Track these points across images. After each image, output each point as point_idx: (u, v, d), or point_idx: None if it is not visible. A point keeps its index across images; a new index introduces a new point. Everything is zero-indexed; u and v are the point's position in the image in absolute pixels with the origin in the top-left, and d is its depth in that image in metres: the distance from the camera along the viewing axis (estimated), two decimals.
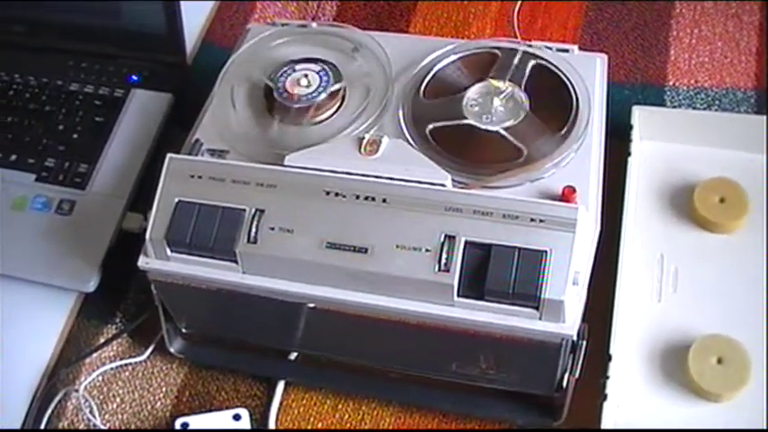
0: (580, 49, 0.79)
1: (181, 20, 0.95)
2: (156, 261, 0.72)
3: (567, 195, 0.69)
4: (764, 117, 0.84)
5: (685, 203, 0.83)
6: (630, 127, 0.85)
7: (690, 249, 0.82)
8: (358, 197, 0.69)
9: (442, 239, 0.66)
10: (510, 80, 0.75)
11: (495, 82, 0.75)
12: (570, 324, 0.66)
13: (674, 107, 0.92)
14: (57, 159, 0.92)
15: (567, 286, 0.64)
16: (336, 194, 0.69)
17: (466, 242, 0.66)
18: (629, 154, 0.83)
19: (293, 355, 0.81)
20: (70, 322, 0.86)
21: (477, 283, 0.65)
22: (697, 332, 0.76)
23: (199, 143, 0.76)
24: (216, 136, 0.77)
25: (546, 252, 0.65)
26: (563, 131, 0.73)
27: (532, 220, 0.66)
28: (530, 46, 0.79)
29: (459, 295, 0.66)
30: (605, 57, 0.79)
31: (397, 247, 0.67)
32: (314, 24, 0.84)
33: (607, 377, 0.73)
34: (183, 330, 0.81)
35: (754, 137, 0.85)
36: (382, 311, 0.69)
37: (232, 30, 1.03)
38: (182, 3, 0.94)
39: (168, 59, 0.97)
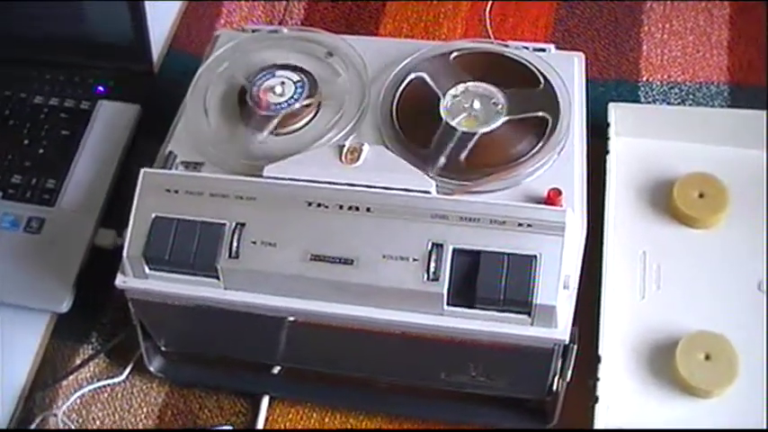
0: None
1: (147, 27, 0.92)
2: (134, 279, 0.70)
3: (553, 198, 0.68)
4: (740, 111, 0.85)
5: (665, 200, 0.83)
6: (607, 124, 0.84)
7: (671, 245, 0.81)
8: (341, 207, 0.67)
9: (429, 248, 0.65)
10: (490, 82, 0.74)
11: (474, 84, 0.74)
12: (562, 329, 0.65)
13: (649, 103, 0.92)
14: (23, 176, 0.89)
15: (559, 290, 0.64)
16: (319, 205, 0.68)
17: (454, 250, 0.65)
18: (607, 152, 0.82)
19: (276, 369, 0.80)
20: (44, 344, 0.83)
21: (467, 292, 0.64)
22: (682, 328, 0.76)
23: (172, 155, 0.74)
24: (190, 147, 0.75)
25: (536, 257, 0.64)
26: (545, 133, 0.72)
27: (520, 224, 0.65)
28: (506, 46, 0.78)
29: (449, 304, 0.65)
30: (582, 55, 0.78)
31: (384, 257, 0.66)
32: (285, 30, 0.82)
33: (597, 379, 0.72)
34: (163, 348, 0.79)
35: (729, 131, 0.85)
36: (370, 323, 0.67)
37: (198, 36, 1.01)
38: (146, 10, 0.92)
39: (135, 68, 0.95)
